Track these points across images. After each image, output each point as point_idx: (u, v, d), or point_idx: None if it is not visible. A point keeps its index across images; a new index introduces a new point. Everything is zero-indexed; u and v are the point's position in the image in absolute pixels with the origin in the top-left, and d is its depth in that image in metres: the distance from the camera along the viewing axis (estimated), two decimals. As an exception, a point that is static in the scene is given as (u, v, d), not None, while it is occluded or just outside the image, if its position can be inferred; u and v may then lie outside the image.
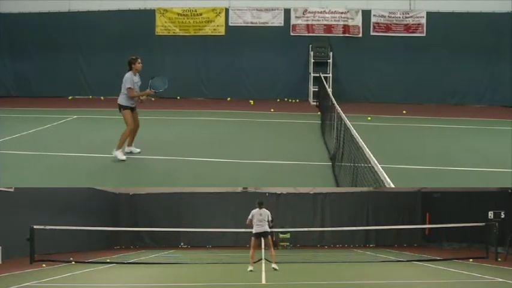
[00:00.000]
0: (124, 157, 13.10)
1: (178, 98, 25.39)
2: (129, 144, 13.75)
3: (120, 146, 13.19)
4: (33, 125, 17.62)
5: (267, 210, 12.92)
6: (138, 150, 13.82)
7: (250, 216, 12.88)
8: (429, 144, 15.94)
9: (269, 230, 12.92)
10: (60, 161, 13.23)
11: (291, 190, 24.19)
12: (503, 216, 15.77)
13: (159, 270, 13.66)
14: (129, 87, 13.07)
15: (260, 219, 12.72)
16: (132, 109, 13.41)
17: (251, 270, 12.48)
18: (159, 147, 14.43)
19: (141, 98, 13.45)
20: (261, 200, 13.00)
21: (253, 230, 12.81)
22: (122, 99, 13.27)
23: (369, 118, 19.93)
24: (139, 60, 13.23)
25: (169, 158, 13.57)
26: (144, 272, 13.26)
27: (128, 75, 13.13)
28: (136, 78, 13.25)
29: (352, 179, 9.66)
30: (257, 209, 12.83)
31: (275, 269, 12.51)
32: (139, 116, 13.77)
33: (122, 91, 13.25)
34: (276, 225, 22.47)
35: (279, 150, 14.76)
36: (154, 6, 26.12)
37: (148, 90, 13.43)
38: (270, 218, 12.95)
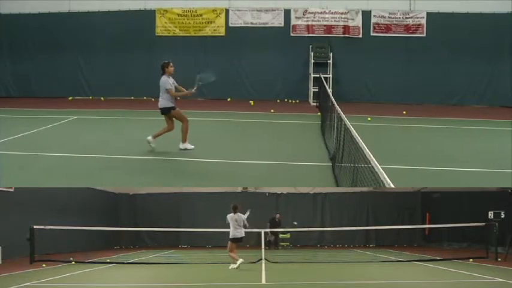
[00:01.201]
0: (192, 146, 13.91)
1: (178, 98, 25.35)
2: (184, 141, 14.10)
3: (184, 139, 13.92)
4: (33, 126, 17.60)
5: (242, 215, 13.13)
6: (192, 146, 14.14)
7: (227, 222, 13.14)
8: (429, 145, 15.94)
9: (244, 235, 13.19)
10: (60, 162, 13.20)
11: (291, 190, 24.22)
12: (503, 216, 15.80)
13: (159, 270, 13.66)
14: (169, 89, 13.60)
15: (237, 224, 12.98)
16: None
17: (236, 268, 12.63)
18: (158, 148, 14.40)
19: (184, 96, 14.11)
20: (236, 205, 13.15)
21: (231, 235, 13.01)
22: (164, 103, 13.78)
23: (369, 119, 19.92)
24: (171, 64, 13.81)
25: (168, 158, 13.57)
26: (144, 272, 13.28)
27: (164, 78, 13.71)
28: (171, 80, 13.76)
29: (352, 180, 9.65)
30: (232, 214, 13.01)
31: (232, 268, 12.76)
32: (135, 117, 13.89)
33: (161, 95, 13.76)
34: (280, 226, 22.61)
35: (279, 150, 14.72)
36: (155, 6, 26.14)
37: (192, 90, 13.94)
38: (245, 223, 13.15)
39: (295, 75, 25.76)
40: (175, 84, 13.86)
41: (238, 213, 13.02)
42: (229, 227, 13.24)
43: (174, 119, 14.02)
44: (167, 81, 13.61)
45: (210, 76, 14.35)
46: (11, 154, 13.78)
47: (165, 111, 13.85)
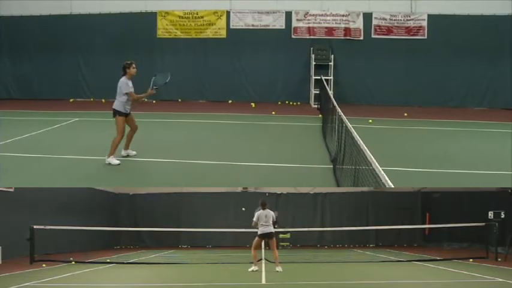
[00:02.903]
0: (118, 161, 13.07)
1: (180, 100, 25.43)
2: (126, 148, 13.70)
3: (112, 153, 13.08)
4: (34, 128, 17.64)
5: (271, 211, 12.79)
6: (134, 152, 13.78)
7: (255, 219, 12.71)
8: (430, 147, 15.94)
9: (274, 231, 12.84)
10: (61, 164, 13.23)
11: (291, 190, 24.22)
12: (503, 216, 15.77)
13: (159, 270, 13.66)
14: (130, 92, 13.09)
15: (266, 220, 12.58)
16: (127, 114, 13.37)
17: (256, 270, 12.39)
18: (160, 150, 14.40)
19: (142, 100, 13.46)
20: (264, 201, 12.82)
21: (259, 231, 12.65)
22: (117, 105, 13.20)
23: (370, 121, 19.90)
24: (133, 65, 13.19)
25: (170, 160, 13.59)
26: (144, 272, 13.26)
27: (123, 79, 13.12)
28: (130, 83, 13.19)
29: (353, 182, 9.63)
30: (261, 211, 12.68)
31: (279, 271, 12.33)
32: (136, 119, 13.77)
33: (117, 97, 13.21)
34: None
35: (280, 152, 14.75)
36: (156, 8, 26.15)
37: (150, 90, 13.45)
38: (274, 219, 12.83)
39: (296, 77, 25.75)
40: (133, 89, 13.25)
41: (267, 210, 12.67)
42: (253, 225, 12.87)
43: (132, 121, 13.50)
44: (126, 84, 13.04)
45: (164, 77, 13.74)
46: (12, 156, 13.79)
47: (114, 114, 13.21)
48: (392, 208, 23.74)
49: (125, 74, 13.17)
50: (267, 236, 12.71)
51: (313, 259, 16.69)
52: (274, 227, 13.03)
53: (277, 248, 21.68)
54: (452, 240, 21.65)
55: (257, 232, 12.77)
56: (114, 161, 13.03)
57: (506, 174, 12.60)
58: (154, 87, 13.52)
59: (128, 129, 13.59)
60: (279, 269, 12.44)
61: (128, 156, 13.57)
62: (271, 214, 12.69)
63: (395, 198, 23.75)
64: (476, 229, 16.44)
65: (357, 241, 23.95)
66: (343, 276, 12.15)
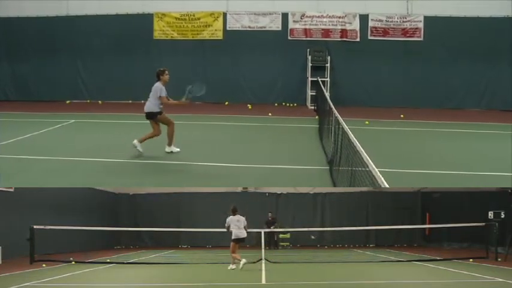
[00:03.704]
0: (178, 149, 14.17)
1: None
2: (170, 144, 14.24)
3: (170, 143, 14.10)
4: (31, 129, 17.55)
5: (242, 217, 13.14)
6: (178, 149, 14.31)
7: (227, 224, 13.14)
8: (427, 149, 15.95)
9: (245, 236, 13.22)
10: (59, 165, 13.14)
11: (291, 190, 24.31)
12: (503, 216, 15.83)
13: (159, 270, 13.69)
14: (164, 96, 13.60)
15: (238, 225, 12.98)
16: (161, 112, 13.92)
17: (233, 268, 12.75)
18: (157, 152, 14.34)
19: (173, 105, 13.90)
20: (235, 207, 13.17)
21: (233, 236, 12.99)
22: (151, 107, 13.75)
23: (367, 122, 19.93)
24: (166, 72, 13.82)
25: (168, 162, 13.55)
26: (144, 272, 13.29)
27: (158, 84, 13.67)
28: (164, 89, 13.74)
29: (349, 184, 9.62)
30: (232, 216, 13.05)
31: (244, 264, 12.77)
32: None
33: (150, 99, 13.74)
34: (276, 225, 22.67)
35: (276, 154, 14.73)
36: (153, 10, 26.13)
37: (184, 99, 13.79)
38: (245, 224, 13.15)
39: (293, 79, 25.76)
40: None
41: (238, 215, 13.04)
42: (226, 228, 13.25)
43: (159, 123, 13.99)
44: (162, 89, 13.61)
45: (200, 89, 14.20)
46: (9, 158, 13.70)
47: (151, 116, 13.83)
48: (392, 208, 23.85)
49: (158, 80, 13.73)
50: (241, 240, 13.14)
51: (313, 259, 16.73)
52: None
53: (277, 248, 22.09)
54: (452, 240, 21.72)
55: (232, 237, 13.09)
56: (174, 149, 14.11)
57: (506, 175, 12.58)
58: (189, 95, 13.93)
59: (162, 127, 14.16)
60: (233, 266, 12.95)
61: (171, 152, 14.14)
62: (242, 219, 13.10)
63: (395, 198, 23.87)
64: (476, 229, 16.48)
65: (357, 241, 24.02)
66: (343, 276, 12.18)
